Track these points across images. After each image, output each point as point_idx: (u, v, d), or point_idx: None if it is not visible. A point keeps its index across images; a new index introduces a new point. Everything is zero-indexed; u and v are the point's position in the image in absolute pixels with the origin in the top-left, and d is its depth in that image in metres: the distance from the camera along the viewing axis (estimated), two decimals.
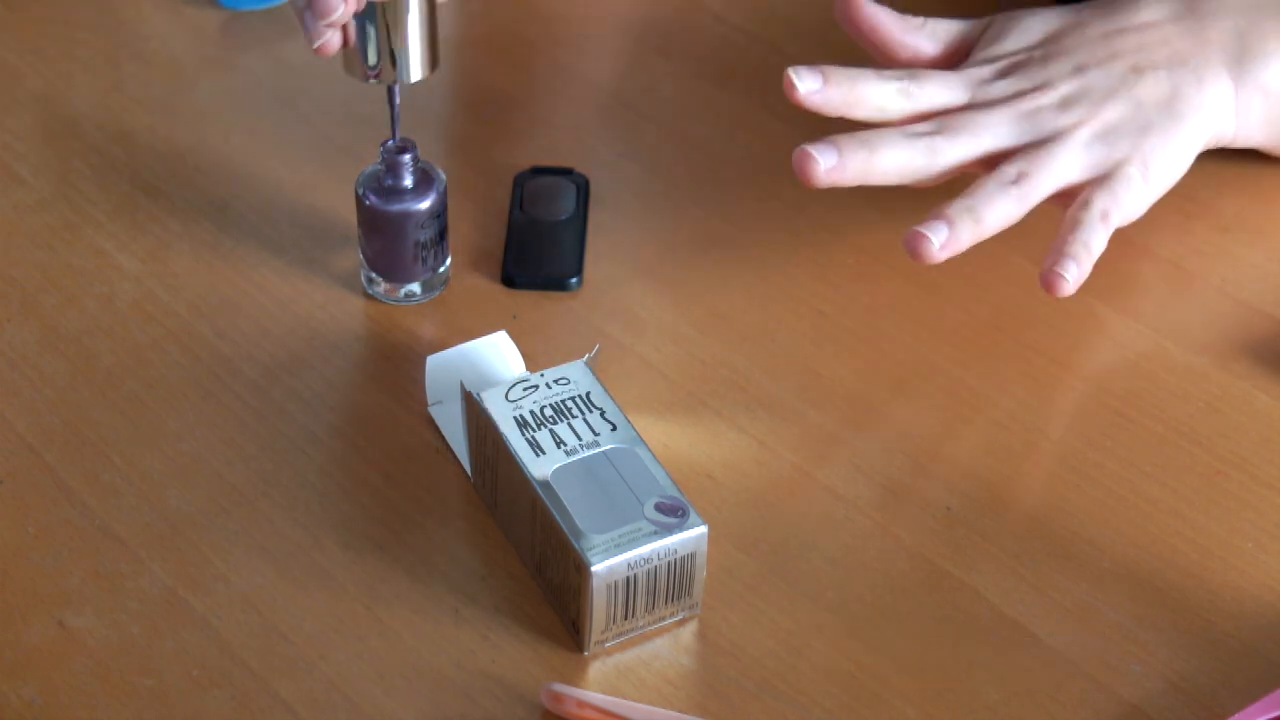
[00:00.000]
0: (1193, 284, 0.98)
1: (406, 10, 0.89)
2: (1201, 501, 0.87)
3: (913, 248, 0.91)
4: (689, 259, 0.99)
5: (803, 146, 0.92)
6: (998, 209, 0.92)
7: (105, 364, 0.93)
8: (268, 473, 0.88)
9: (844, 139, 0.93)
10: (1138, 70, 0.96)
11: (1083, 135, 0.94)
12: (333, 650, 0.81)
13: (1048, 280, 0.90)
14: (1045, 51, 0.98)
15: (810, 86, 0.94)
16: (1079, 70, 0.97)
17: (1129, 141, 0.95)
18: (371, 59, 0.90)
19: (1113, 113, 0.95)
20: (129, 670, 0.80)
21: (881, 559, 0.85)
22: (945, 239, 0.91)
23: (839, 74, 0.95)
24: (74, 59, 1.11)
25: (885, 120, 0.95)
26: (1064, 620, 0.82)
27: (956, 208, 0.91)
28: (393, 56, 0.90)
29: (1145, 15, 0.99)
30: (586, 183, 1.02)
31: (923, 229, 0.90)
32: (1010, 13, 1.01)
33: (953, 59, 1.01)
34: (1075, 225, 0.92)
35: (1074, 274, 0.90)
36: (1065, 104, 0.95)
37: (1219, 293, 0.97)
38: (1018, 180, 0.93)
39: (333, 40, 0.89)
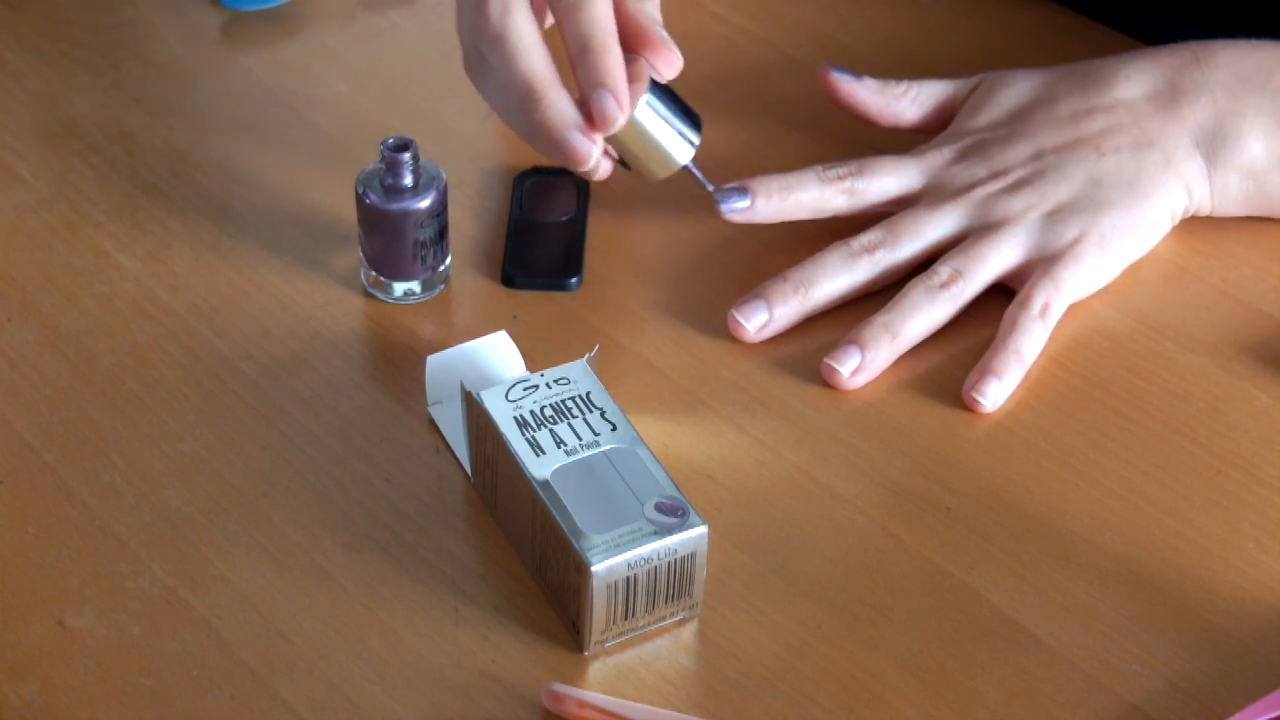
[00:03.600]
0: (1193, 284, 0.98)
1: (642, 120, 0.91)
2: (1201, 501, 0.87)
3: (826, 378, 0.92)
4: (689, 259, 0.99)
5: (731, 311, 0.94)
6: (921, 318, 0.93)
7: (105, 364, 0.93)
8: (268, 473, 0.88)
9: (773, 287, 0.94)
10: (1100, 152, 0.96)
11: (1031, 218, 0.94)
12: (333, 650, 0.81)
13: (967, 400, 0.91)
14: (1009, 131, 0.98)
15: (739, 204, 0.96)
16: (1038, 156, 0.96)
17: (1083, 219, 0.94)
18: (651, 161, 0.92)
19: (1066, 193, 0.95)
20: (129, 670, 0.80)
21: (881, 559, 0.85)
22: (857, 365, 0.92)
23: (771, 184, 0.96)
24: (74, 59, 1.11)
25: (832, 215, 0.97)
26: (1064, 620, 0.82)
27: (874, 326, 0.93)
28: (666, 150, 0.92)
29: (1121, 92, 0.98)
30: (586, 183, 1.02)
31: (831, 360, 0.92)
32: (997, 74, 1.01)
33: (937, 121, 1.02)
34: (1009, 329, 0.93)
35: (993, 394, 0.91)
36: (1017, 189, 0.95)
37: (1219, 293, 0.97)
38: (949, 281, 0.93)
39: (604, 164, 0.91)
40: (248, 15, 1.14)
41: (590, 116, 0.88)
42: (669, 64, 0.91)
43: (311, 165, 1.04)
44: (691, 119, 0.93)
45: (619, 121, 0.88)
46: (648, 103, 0.90)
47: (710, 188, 0.95)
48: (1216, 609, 0.83)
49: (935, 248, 0.95)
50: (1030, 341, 0.92)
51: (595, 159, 0.89)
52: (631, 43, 0.91)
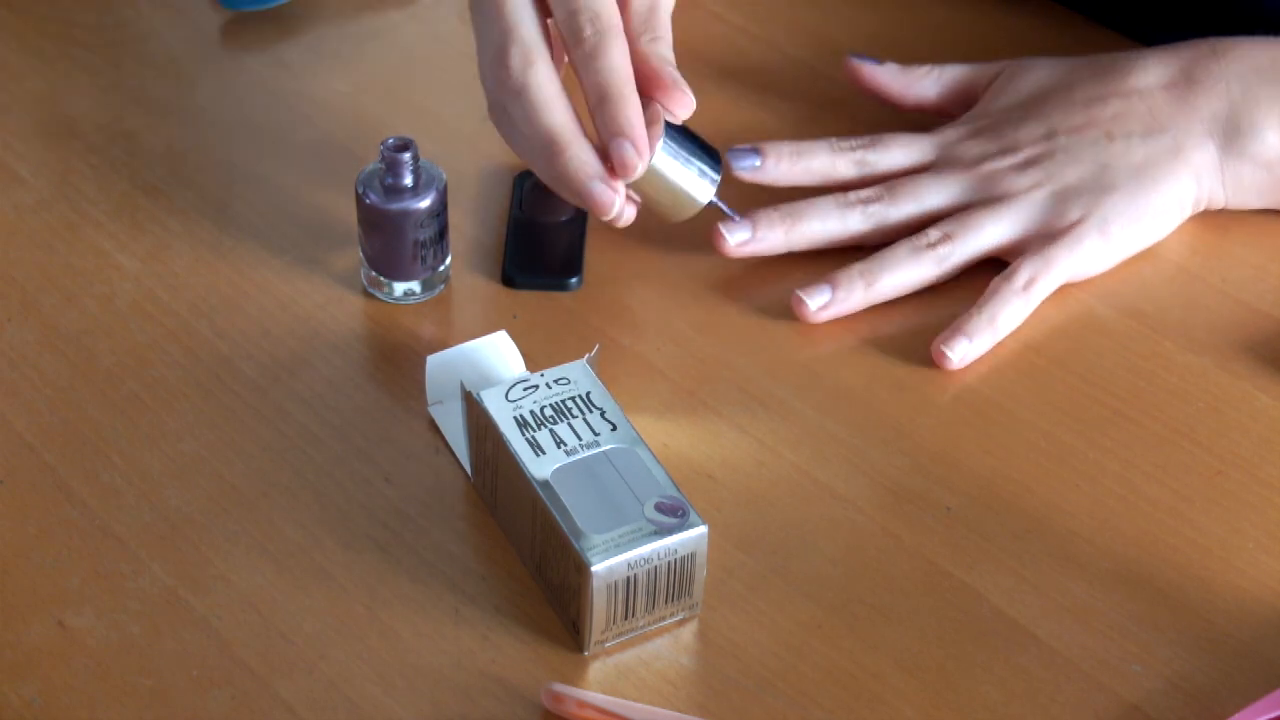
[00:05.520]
0: (1193, 284, 0.98)
1: (661, 165, 0.91)
2: (1201, 501, 0.87)
3: (794, 309, 0.93)
4: (689, 259, 0.99)
5: (717, 225, 0.95)
6: (901, 272, 0.94)
7: (105, 364, 0.93)
8: (268, 473, 0.88)
9: (761, 213, 0.96)
10: (1110, 137, 0.96)
11: (1036, 196, 0.95)
12: (333, 650, 0.81)
13: (935, 355, 0.92)
14: (1024, 113, 0.99)
15: (751, 163, 0.97)
16: (1049, 135, 0.97)
17: (1086, 201, 0.95)
18: (676, 202, 0.92)
19: (1073, 175, 0.96)
20: (129, 670, 0.80)
21: (881, 559, 0.85)
22: (825, 302, 0.93)
23: (783, 148, 0.97)
24: (74, 59, 1.11)
25: (840, 184, 0.98)
26: (1064, 620, 0.82)
27: (850, 271, 0.94)
28: (687, 191, 0.92)
29: (1137, 80, 0.99)
30: None
31: (802, 292, 0.93)
32: (1019, 62, 1.02)
33: (958, 103, 1.03)
34: (989, 296, 0.93)
35: (960, 352, 0.92)
36: (1025, 167, 0.96)
37: (1219, 293, 0.97)
38: (939, 242, 0.94)
39: (629, 211, 0.91)
40: (248, 15, 1.14)
41: (611, 164, 0.89)
42: (682, 105, 0.91)
43: (311, 165, 1.04)
44: (709, 155, 0.92)
45: (639, 169, 0.89)
46: (663, 147, 0.90)
47: (737, 219, 0.95)
48: (1216, 609, 0.83)
49: (933, 214, 0.96)
50: (1007, 312, 0.93)
51: (619, 207, 0.89)
52: (644, 85, 0.91)
